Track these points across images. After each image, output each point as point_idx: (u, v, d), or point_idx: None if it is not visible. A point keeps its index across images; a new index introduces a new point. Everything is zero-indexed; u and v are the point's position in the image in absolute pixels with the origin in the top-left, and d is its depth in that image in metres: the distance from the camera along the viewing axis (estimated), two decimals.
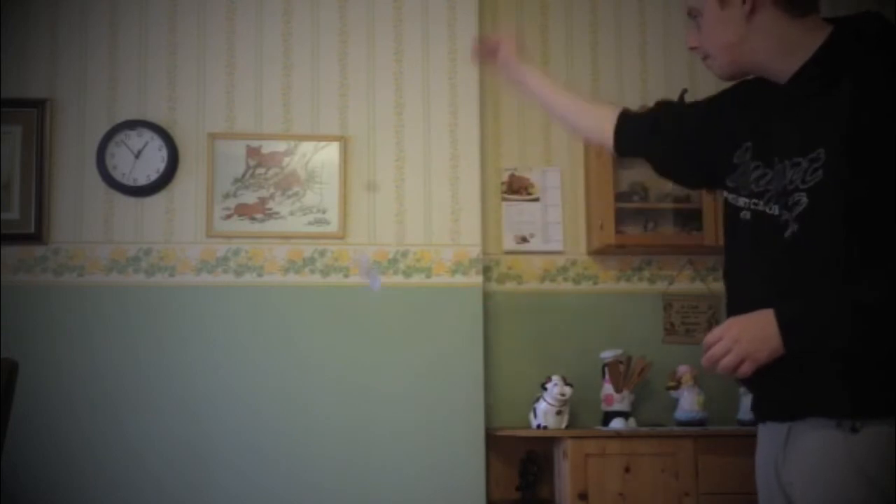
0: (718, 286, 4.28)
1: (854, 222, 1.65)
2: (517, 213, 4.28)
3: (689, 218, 4.23)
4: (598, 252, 4.26)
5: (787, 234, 1.73)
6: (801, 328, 1.66)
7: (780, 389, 1.76)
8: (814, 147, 1.70)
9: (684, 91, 4.32)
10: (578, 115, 2.28)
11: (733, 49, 1.81)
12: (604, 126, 2.18)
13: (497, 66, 2.35)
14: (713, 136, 1.95)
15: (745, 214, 1.83)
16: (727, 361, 1.69)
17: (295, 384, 3.92)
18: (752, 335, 1.68)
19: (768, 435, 1.83)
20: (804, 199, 1.70)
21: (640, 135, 2.13)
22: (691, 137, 2.02)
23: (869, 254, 1.64)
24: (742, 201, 1.85)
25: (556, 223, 4.29)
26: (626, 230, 4.21)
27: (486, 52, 2.36)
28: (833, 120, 1.69)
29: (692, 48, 1.89)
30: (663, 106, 2.16)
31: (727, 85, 1.97)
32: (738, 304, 1.79)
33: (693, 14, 1.86)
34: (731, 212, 1.88)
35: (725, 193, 1.90)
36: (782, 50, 1.78)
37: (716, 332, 1.72)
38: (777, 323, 1.66)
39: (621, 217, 4.18)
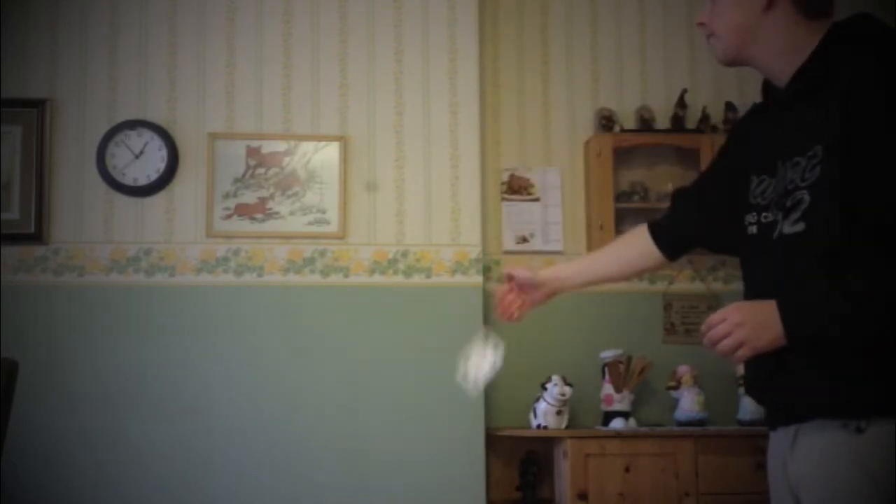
0: (718, 286, 4.30)
1: (853, 217, 1.66)
2: (517, 213, 4.28)
3: None
4: None
5: (776, 234, 1.75)
6: (802, 317, 1.67)
7: (784, 396, 1.77)
8: (811, 145, 1.72)
9: (684, 91, 4.39)
10: (622, 266, 2.26)
11: (742, 34, 1.82)
12: (647, 252, 2.17)
13: (530, 298, 2.26)
14: (729, 188, 1.95)
15: (752, 229, 1.85)
16: (726, 344, 1.70)
17: (295, 384, 3.92)
18: (754, 321, 1.68)
19: (778, 438, 1.84)
20: (806, 197, 1.71)
21: (677, 233, 2.14)
22: (716, 204, 2.02)
23: (869, 248, 1.65)
24: (749, 219, 1.86)
25: (556, 223, 4.29)
26: (626, 230, 4.20)
27: (512, 301, 2.26)
28: (828, 117, 1.70)
29: (700, 24, 1.89)
30: (679, 195, 2.16)
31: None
32: None
33: None
34: (742, 233, 1.89)
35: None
36: (787, 49, 1.80)
37: (719, 313, 1.72)
38: (779, 312, 1.67)
39: (621, 217, 4.18)
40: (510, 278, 2.24)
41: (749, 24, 1.81)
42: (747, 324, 1.68)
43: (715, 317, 1.72)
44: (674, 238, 2.15)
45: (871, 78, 1.69)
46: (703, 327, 1.73)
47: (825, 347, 1.68)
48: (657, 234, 2.16)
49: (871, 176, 1.65)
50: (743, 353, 1.69)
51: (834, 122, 1.69)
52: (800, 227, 1.72)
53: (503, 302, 2.26)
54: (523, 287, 2.24)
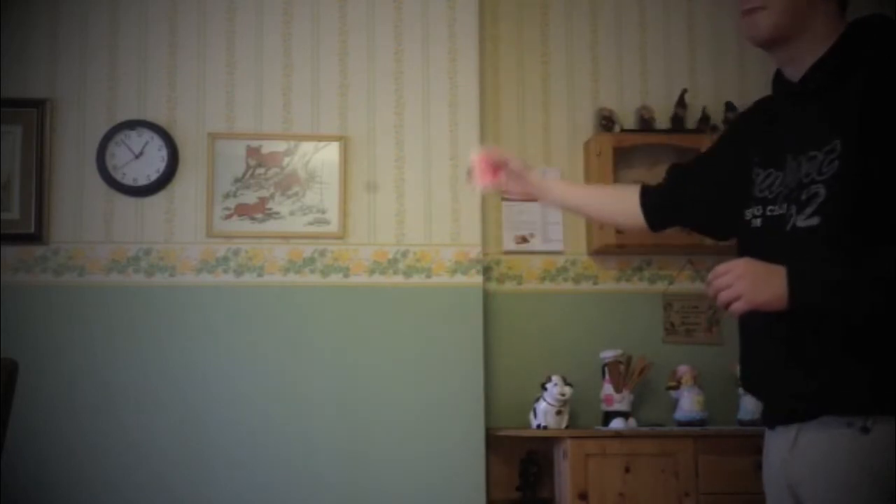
0: None
1: (871, 211, 1.66)
2: (517, 213, 4.28)
3: None
4: (598, 252, 4.26)
5: (788, 227, 1.75)
6: (808, 282, 1.67)
7: (787, 395, 1.77)
8: (829, 139, 1.72)
9: (684, 91, 4.39)
10: (604, 207, 2.28)
11: (797, 15, 1.80)
12: (631, 210, 2.18)
13: (504, 183, 2.25)
14: (729, 174, 1.97)
15: (756, 222, 1.85)
16: (724, 295, 1.70)
17: (295, 384, 3.92)
18: (757, 276, 1.68)
19: (776, 438, 1.83)
20: (822, 191, 1.71)
21: (666, 205, 2.14)
22: (712, 186, 2.04)
23: (884, 243, 1.65)
24: (752, 212, 1.86)
25: (556, 223, 4.28)
26: (626, 231, 4.21)
27: (485, 170, 2.24)
28: (848, 111, 1.71)
29: None
30: (676, 170, 2.17)
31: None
32: (754, 314, 1.76)
33: None
34: (742, 226, 1.89)
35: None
36: (819, 37, 1.80)
37: (726, 264, 1.72)
38: (787, 274, 1.67)
39: None
40: (501, 161, 2.23)
41: (804, 7, 1.79)
42: (749, 277, 1.68)
43: (721, 267, 1.72)
44: (661, 211, 2.16)
45: (891, 73, 1.70)
46: (709, 276, 1.73)
47: (824, 324, 1.68)
48: (646, 201, 2.16)
49: (891, 170, 1.66)
50: (739, 306, 1.69)
51: (854, 117, 1.69)
52: (814, 220, 1.72)
53: (480, 170, 2.24)
54: (512, 175, 2.25)
